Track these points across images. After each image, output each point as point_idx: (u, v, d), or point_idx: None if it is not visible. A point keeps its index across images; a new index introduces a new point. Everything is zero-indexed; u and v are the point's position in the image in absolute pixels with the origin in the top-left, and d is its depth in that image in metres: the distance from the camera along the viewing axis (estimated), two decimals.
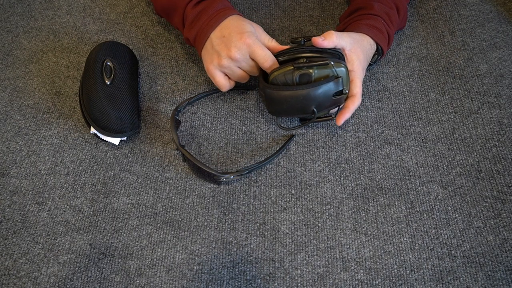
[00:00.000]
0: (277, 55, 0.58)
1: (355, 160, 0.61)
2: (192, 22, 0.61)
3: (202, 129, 0.64)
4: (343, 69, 0.56)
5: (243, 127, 0.64)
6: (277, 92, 0.56)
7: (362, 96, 0.66)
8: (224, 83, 0.61)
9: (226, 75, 0.61)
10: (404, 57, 0.70)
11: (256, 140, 0.63)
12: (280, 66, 0.57)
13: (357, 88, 0.59)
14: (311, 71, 0.55)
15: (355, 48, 0.59)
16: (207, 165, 0.59)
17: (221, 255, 0.55)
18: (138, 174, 0.61)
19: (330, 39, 0.56)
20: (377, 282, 0.52)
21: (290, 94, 0.56)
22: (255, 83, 0.68)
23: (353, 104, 0.59)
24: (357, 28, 0.62)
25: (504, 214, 0.56)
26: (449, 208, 0.57)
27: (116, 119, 0.60)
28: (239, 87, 0.67)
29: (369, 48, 0.62)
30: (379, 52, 0.65)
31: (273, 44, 0.60)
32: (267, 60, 0.57)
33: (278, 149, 0.61)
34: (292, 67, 0.55)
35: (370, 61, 0.66)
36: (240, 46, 0.57)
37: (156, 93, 0.68)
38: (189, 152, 0.60)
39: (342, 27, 0.66)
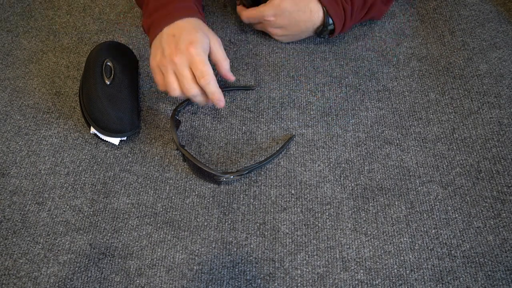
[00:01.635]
0: None
1: (355, 160, 0.61)
2: (151, 12, 0.60)
3: (202, 129, 0.64)
4: None
5: (243, 127, 0.64)
6: None
7: (362, 96, 0.66)
8: (161, 82, 0.58)
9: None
10: (404, 57, 0.70)
11: (256, 140, 0.63)
12: None
13: (275, 1, 0.63)
14: None
15: None
16: (207, 165, 0.59)
17: (221, 255, 0.55)
18: (138, 174, 0.61)
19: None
20: (377, 282, 0.52)
21: None
22: (255, 82, 0.68)
23: (262, 8, 0.64)
24: None
25: (504, 214, 0.56)
26: (449, 208, 0.57)
27: (116, 119, 0.60)
28: (239, 87, 0.67)
29: (304, 4, 0.64)
30: (326, 24, 0.65)
31: (224, 64, 0.59)
32: (204, 77, 0.55)
33: (278, 149, 0.61)
34: None
35: (318, 33, 0.67)
36: (184, 52, 0.55)
37: (156, 93, 0.68)
38: (189, 152, 0.60)
39: None
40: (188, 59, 0.55)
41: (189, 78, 0.56)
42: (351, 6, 0.65)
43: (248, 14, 0.67)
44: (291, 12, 0.64)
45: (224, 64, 0.59)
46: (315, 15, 0.65)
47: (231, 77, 0.61)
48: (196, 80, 0.56)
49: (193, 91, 0.56)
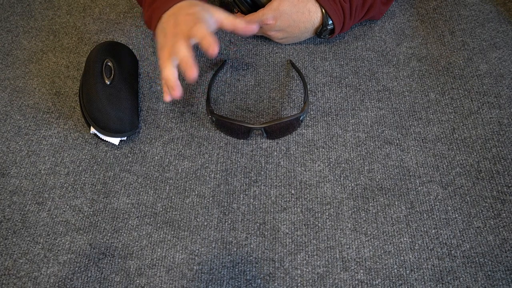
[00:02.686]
0: None
1: (355, 160, 0.61)
2: (150, 4, 0.60)
3: (202, 129, 0.64)
4: None
5: None
6: None
7: (362, 96, 0.66)
8: (170, 77, 0.53)
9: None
10: (404, 57, 0.70)
11: (256, 140, 0.63)
12: None
13: (273, 4, 0.63)
14: None
15: None
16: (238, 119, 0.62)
17: (221, 255, 0.55)
18: (138, 174, 0.61)
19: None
20: (377, 282, 0.52)
21: None
22: (255, 82, 0.68)
23: (261, 12, 0.64)
24: None
25: (504, 214, 0.56)
26: (449, 208, 0.57)
27: (116, 119, 0.60)
28: (216, 71, 0.67)
29: (302, 5, 0.64)
30: (325, 24, 0.65)
31: (237, 22, 0.54)
32: (199, 23, 0.51)
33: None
34: None
35: (318, 33, 0.68)
36: (183, 22, 0.52)
37: (156, 93, 0.68)
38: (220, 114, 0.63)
39: None
40: (190, 22, 0.52)
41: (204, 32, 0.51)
42: (350, 5, 0.65)
43: (247, 20, 0.67)
44: (290, 14, 0.64)
45: (238, 22, 0.54)
46: (314, 15, 0.65)
47: (252, 26, 0.54)
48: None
49: (199, 32, 0.51)
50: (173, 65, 0.53)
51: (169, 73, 0.52)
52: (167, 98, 0.56)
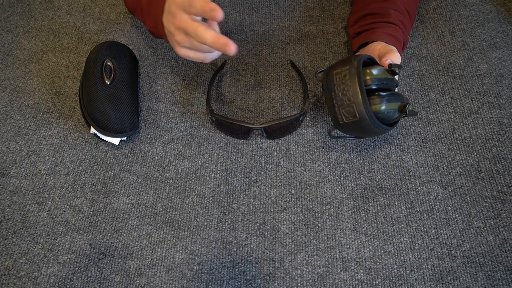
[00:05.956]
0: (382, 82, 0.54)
1: (355, 160, 0.61)
2: (148, 13, 0.59)
3: (202, 129, 0.64)
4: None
5: None
6: (375, 127, 0.54)
7: None
8: (215, 39, 0.47)
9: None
10: (404, 57, 0.70)
11: (256, 140, 0.63)
12: (394, 99, 0.54)
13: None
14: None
15: None
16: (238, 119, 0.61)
17: (221, 255, 0.55)
18: (138, 174, 0.61)
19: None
20: (377, 282, 0.52)
21: (383, 128, 0.55)
22: (255, 82, 0.68)
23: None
24: (376, 36, 0.62)
25: (504, 214, 0.56)
26: (449, 208, 0.57)
27: (116, 119, 0.60)
28: (216, 71, 0.67)
29: None
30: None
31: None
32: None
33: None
34: (405, 114, 0.54)
35: None
36: (173, 7, 0.50)
37: (156, 93, 0.68)
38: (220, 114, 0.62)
39: (356, 31, 0.66)
40: (179, 8, 0.50)
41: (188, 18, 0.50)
42: (407, 34, 0.65)
43: None
44: None
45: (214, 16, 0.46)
46: None
47: (214, 8, 0.46)
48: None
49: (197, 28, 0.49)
50: (206, 27, 0.48)
51: (212, 35, 0.48)
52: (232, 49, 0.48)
